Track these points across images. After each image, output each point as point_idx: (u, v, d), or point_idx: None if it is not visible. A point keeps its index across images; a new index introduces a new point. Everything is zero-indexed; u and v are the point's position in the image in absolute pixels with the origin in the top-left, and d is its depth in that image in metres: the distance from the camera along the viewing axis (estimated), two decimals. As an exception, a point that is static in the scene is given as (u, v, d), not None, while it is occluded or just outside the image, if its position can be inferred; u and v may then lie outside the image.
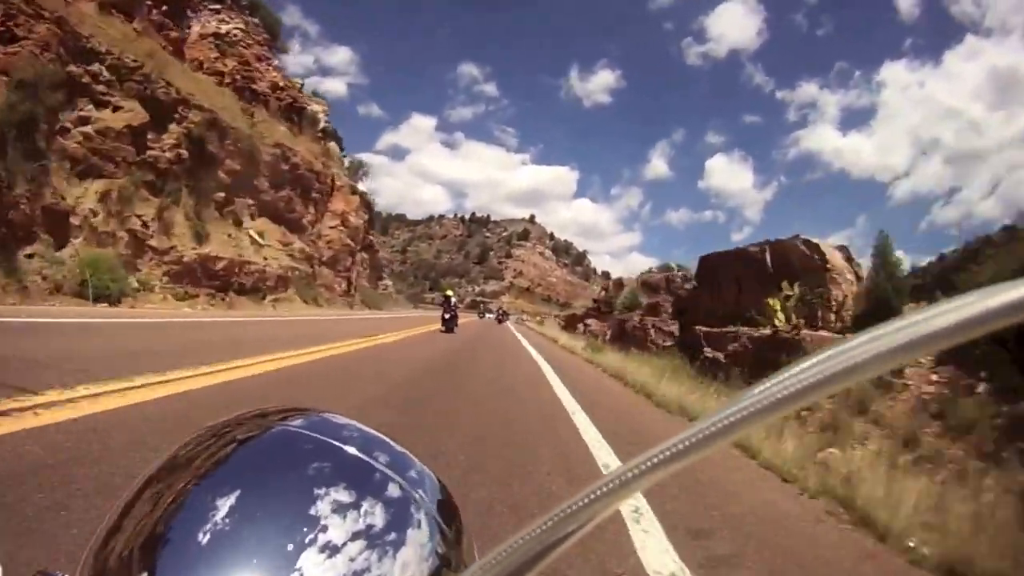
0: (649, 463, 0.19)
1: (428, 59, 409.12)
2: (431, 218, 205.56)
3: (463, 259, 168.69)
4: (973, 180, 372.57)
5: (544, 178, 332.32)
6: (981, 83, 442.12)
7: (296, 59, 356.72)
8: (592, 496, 0.20)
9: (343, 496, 0.30)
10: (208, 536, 0.27)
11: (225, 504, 0.29)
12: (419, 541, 0.31)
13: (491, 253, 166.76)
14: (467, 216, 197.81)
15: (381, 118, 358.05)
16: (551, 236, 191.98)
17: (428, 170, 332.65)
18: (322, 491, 0.30)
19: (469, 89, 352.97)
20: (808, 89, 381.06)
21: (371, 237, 44.28)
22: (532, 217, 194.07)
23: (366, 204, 43.00)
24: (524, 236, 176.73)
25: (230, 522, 0.28)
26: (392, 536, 0.30)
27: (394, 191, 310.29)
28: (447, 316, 16.09)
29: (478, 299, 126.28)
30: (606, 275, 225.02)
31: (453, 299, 17.37)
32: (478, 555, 0.34)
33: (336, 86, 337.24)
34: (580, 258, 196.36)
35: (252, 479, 0.31)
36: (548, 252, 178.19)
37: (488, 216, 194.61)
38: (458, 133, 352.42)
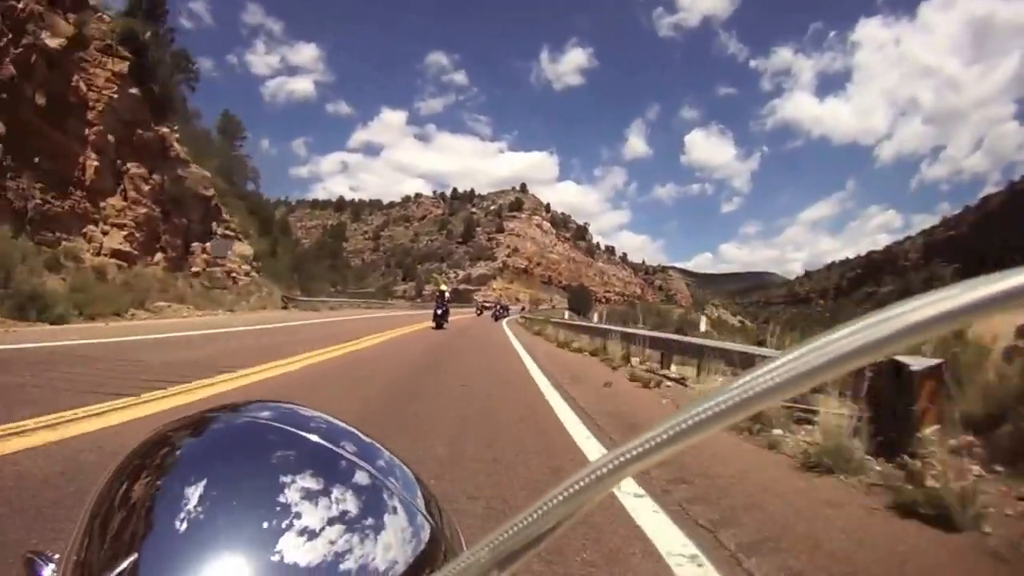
0: (634, 452, 0.19)
1: (394, 50, 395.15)
2: (407, 199, 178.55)
3: (445, 239, 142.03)
4: (956, 138, 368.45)
5: (524, 164, 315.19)
6: (957, 35, 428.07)
7: (262, 59, 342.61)
8: (582, 483, 0.20)
9: (312, 484, 0.30)
10: (186, 523, 0.27)
11: (196, 494, 0.29)
12: (395, 527, 0.30)
13: (478, 229, 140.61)
14: (448, 193, 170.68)
15: (351, 115, 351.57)
16: (547, 207, 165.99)
17: (405, 164, 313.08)
18: (290, 480, 0.30)
19: (438, 79, 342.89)
20: (782, 55, 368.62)
21: (163, 132, 18.31)
22: (523, 186, 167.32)
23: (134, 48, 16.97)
24: (517, 206, 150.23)
25: (203, 511, 0.28)
26: (366, 522, 0.30)
27: (374, 186, 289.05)
28: (439, 312, 15.76)
29: (462, 287, 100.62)
30: (610, 250, 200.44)
31: (447, 294, 16.74)
32: (464, 542, 0.33)
33: (304, 85, 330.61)
34: (581, 232, 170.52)
35: (221, 470, 0.31)
36: (547, 224, 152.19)
37: (472, 190, 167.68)
38: (430, 125, 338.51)
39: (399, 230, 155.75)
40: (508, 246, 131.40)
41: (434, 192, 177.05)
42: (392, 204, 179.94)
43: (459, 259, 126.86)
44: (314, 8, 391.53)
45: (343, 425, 0.37)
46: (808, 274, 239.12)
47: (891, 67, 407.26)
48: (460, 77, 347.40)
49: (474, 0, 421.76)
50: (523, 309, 51.11)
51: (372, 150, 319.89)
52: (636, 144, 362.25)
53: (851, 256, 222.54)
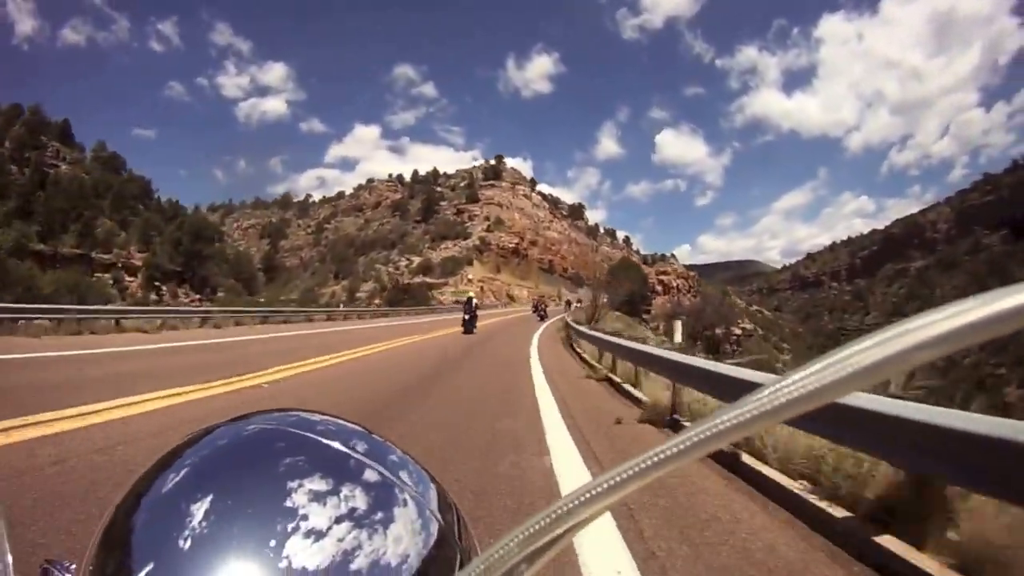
0: (651, 461, 0.19)
1: (362, 65, 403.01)
2: (360, 187, 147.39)
3: (399, 221, 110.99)
4: (923, 126, 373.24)
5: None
6: (920, 29, 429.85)
7: (232, 81, 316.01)
8: (598, 490, 0.20)
9: (324, 485, 0.31)
10: (201, 530, 0.28)
11: (216, 500, 0.29)
12: (407, 527, 0.31)
13: (443, 203, 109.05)
14: (407, 175, 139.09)
15: (325, 133, 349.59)
16: (532, 182, 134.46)
17: (381, 177, 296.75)
18: (305, 482, 0.30)
19: (407, 92, 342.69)
20: (748, 53, 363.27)
21: None
22: (499, 157, 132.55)
23: None
24: (495, 174, 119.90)
25: (220, 517, 0.29)
26: (377, 523, 0.30)
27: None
28: (467, 317, 17.09)
29: (418, 280, 69.99)
30: (611, 233, 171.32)
31: (475, 301, 18.19)
32: (475, 537, 0.35)
33: (276, 105, 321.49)
34: (578, 211, 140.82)
35: (234, 479, 0.32)
36: (536, 197, 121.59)
37: (435, 169, 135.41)
38: (404, 138, 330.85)
39: (348, 220, 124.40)
40: (487, 218, 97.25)
41: (390, 176, 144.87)
42: (341, 195, 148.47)
43: (415, 242, 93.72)
44: (279, 26, 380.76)
45: (352, 426, 0.37)
46: (812, 256, 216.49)
47: (856, 61, 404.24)
48: (429, 89, 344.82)
49: (436, 11, 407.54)
50: (569, 305, 39.45)
51: (348, 165, 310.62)
52: (608, 145, 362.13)
53: (854, 235, 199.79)
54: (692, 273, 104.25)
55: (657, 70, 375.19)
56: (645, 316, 48.55)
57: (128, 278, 57.25)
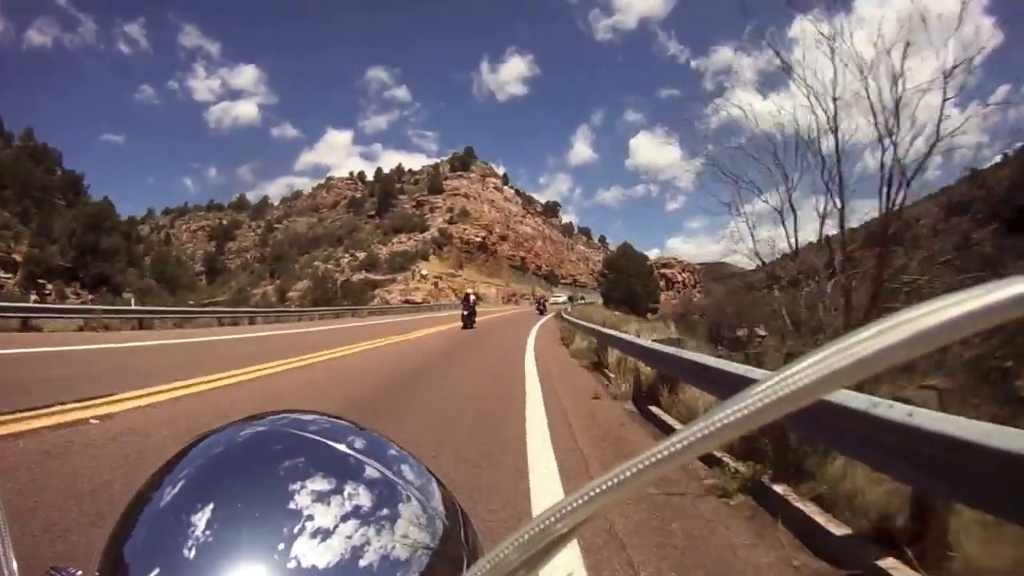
0: (649, 461, 0.19)
1: (335, 66, 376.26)
2: (320, 186, 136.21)
3: (352, 217, 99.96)
4: (898, 125, 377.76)
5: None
6: (893, 28, 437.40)
7: (203, 84, 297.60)
8: (598, 490, 0.20)
9: (327, 484, 0.31)
10: (207, 535, 0.28)
11: (221, 505, 0.30)
12: (412, 527, 0.31)
13: (402, 197, 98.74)
14: (369, 172, 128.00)
15: (297, 138, 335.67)
16: (504, 178, 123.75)
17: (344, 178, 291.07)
18: (309, 483, 0.31)
19: (380, 96, 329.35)
20: (723, 54, 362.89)
21: None
22: (469, 149, 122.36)
23: None
24: (463, 166, 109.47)
25: (226, 521, 0.29)
26: (383, 515, 0.30)
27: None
28: (466, 313, 17.67)
29: (358, 278, 59.30)
30: (586, 232, 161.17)
31: (472, 298, 18.72)
32: (481, 536, 0.35)
33: (247, 109, 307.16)
34: (552, 209, 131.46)
35: (242, 480, 0.32)
36: (509, 191, 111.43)
37: (400, 165, 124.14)
38: (376, 144, 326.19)
39: (302, 220, 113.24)
40: (449, 209, 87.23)
41: (351, 174, 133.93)
42: (299, 194, 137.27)
43: (363, 237, 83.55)
44: (249, 26, 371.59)
45: (347, 424, 0.37)
46: (795, 253, 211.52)
47: (830, 61, 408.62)
48: (403, 92, 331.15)
49: (409, 11, 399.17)
50: (571, 301, 43.21)
51: (319, 172, 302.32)
52: (581, 150, 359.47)
53: (834, 232, 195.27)
54: (699, 267, 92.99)
55: (632, 72, 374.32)
56: (650, 315, 41.24)
57: (5, 275, 47.22)
